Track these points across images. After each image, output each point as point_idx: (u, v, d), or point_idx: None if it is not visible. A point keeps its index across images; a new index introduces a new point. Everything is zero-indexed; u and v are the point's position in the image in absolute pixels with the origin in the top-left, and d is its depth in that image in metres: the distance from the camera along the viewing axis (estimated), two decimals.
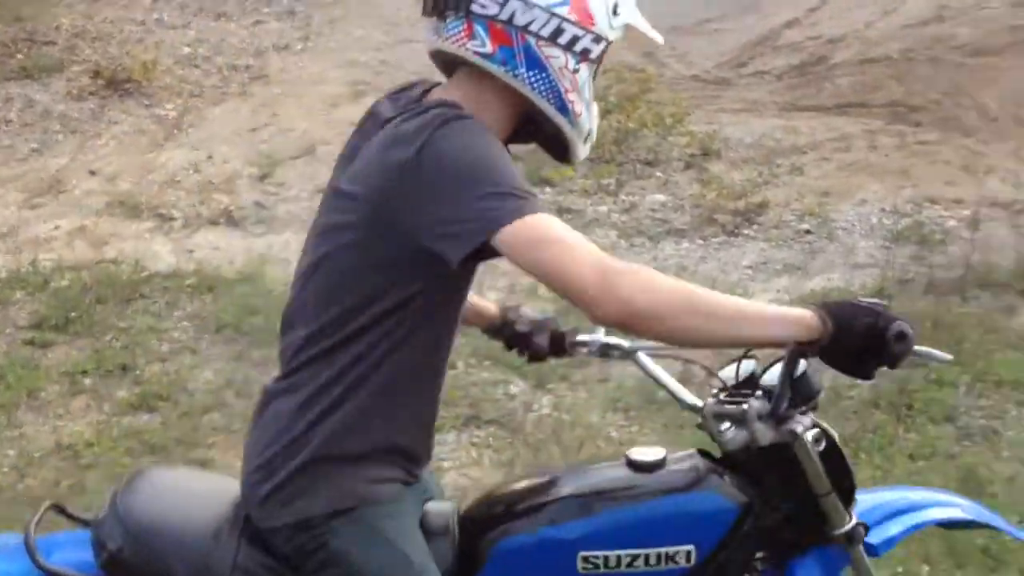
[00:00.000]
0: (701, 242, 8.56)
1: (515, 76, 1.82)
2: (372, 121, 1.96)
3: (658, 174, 10.17)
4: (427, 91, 1.98)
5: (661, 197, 9.59)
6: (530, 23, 1.77)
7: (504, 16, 1.76)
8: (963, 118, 11.86)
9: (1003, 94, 12.20)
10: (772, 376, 2.04)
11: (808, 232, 8.73)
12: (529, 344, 2.51)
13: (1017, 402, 5.17)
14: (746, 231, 8.82)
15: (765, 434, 1.96)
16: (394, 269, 1.83)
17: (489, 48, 1.78)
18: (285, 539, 1.86)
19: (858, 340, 1.71)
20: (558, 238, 1.77)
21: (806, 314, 1.79)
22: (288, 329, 1.99)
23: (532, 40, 1.79)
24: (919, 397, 5.07)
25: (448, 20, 1.82)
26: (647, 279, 1.76)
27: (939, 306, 6.45)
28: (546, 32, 1.80)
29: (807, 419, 2.03)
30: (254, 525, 1.95)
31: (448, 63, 1.95)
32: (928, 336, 5.83)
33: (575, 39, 1.81)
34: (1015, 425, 4.92)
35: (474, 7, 1.78)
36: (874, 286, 7.14)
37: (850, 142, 11.23)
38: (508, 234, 1.70)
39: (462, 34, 1.81)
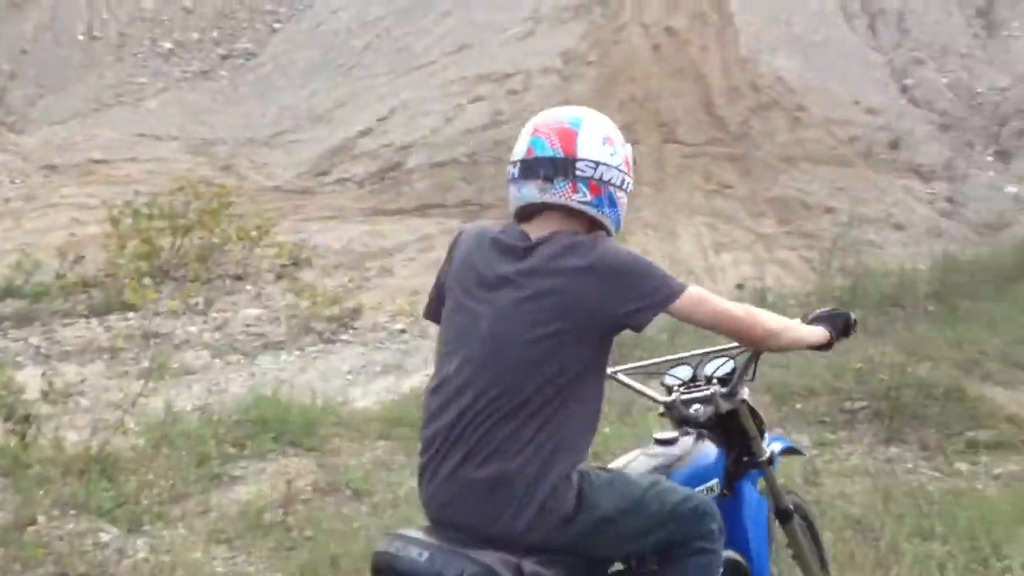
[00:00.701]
0: (299, 353, 8.51)
1: (602, 213, 2.62)
2: (499, 253, 2.60)
3: (249, 288, 10.07)
4: (522, 229, 2.65)
5: (254, 311, 9.45)
6: (611, 179, 2.61)
7: (596, 176, 2.58)
8: None
9: None
10: (710, 369, 3.11)
11: (403, 332, 8.99)
12: None
13: None
14: (344, 337, 8.90)
15: (724, 405, 2.98)
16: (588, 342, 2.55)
17: (588, 198, 2.58)
18: (561, 539, 2.49)
19: (845, 334, 2.88)
20: (713, 300, 2.66)
21: (823, 331, 2.84)
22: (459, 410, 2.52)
23: (612, 189, 2.62)
24: None
25: (555, 182, 2.56)
26: (767, 313, 2.83)
27: None
28: (617, 182, 2.63)
29: (744, 391, 3.06)
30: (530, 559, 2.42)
31: (531, 209, 2.62)
32: None
33: (627, 183, 2.67)
34: None
35: (578, 172, 2.56)
36: None
37: (432, 241, 11.83)
38: (681, 302, 2.54)
39: (568, 190, 2.57)
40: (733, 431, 3.05)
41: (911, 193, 13.77)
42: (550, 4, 19.45)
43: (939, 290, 8.97)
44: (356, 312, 9.30)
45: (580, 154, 2.58)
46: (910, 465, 5.82)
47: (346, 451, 5.87)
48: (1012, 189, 14.26)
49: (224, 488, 5.32)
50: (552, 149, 2.58)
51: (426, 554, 2.35)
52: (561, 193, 2.56)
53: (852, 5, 19.16)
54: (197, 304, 9.44)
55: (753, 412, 3.09)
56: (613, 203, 2.63)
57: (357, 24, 20.27)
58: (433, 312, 2.80)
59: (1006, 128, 15.78)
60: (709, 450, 2.93)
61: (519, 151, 2.62)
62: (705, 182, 13.75)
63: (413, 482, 5.24)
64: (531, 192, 2.59)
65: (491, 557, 2.33)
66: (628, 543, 2.62)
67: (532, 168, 2.59)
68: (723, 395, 3.01)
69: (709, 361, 3.15)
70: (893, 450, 6.05)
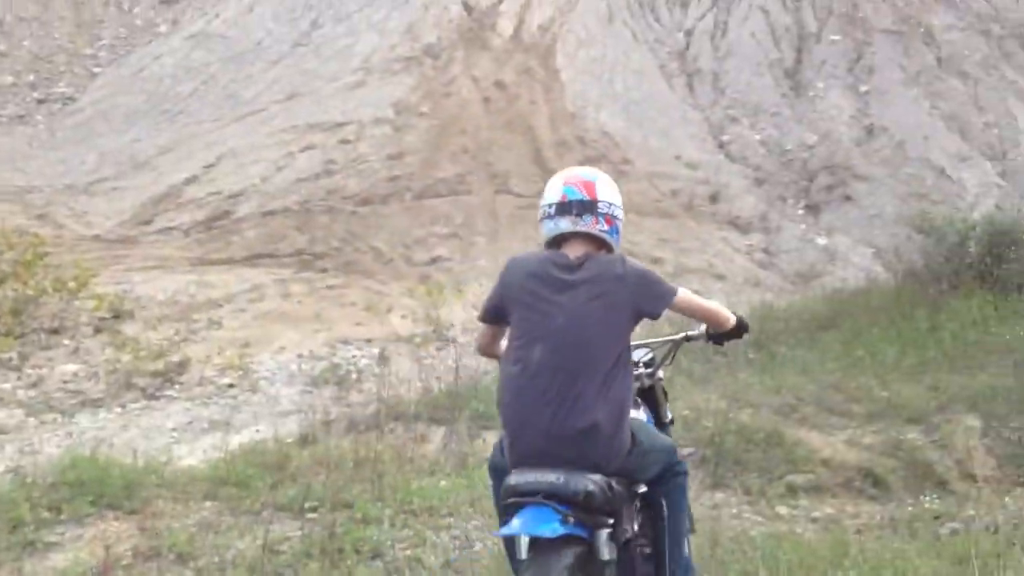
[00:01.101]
0: (120, 410, 8.12)
1: (612, 239, 3.65)
2: (556, 269, 3.59)
3: (66, 342, 9.55)
4: (562, 252, 3.67)
5: (72, 366, 8.96)
6: (618, 215, 3.67)
7: (611, 212, 3.63)
8: (362, 261, 12.88)
9: (392, 238, 13.50)
10: (636, 356, 3.84)
11: (231, 386, 8.73)
12: None
13: (434, 528, 5.54)
14: (168, 392, 8.56)
15: (647, 383, 3.96)
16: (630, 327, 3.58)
17: (606, 228, 3.62)
18: (624, 466, 3.47)
19: (739, 332, 3.89)
20: (693, 298, 3.72)
21: (734, 316, 3.88)
22: (566, 420, 3.40)
23: (619, 223, 3.68)
24: (348, 539, 5.17)
25: (583, 217, 3.59)
26: (720, 305, 3.95)
27: (359, 443, 6.75)
28: (620, 216, 3.68)
29: (660, 373, 4.07)
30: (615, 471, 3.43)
31: (562, 237, 3.66)
32: (352, 475, 6.11)
33: (622, 217, 3.71)
34: (435, 551, 5.23)
35: (599, 210, 3.61)
36: (300, 432, 7.28)
37: (263, 291, 11.57)
38: (678, 299, 3.59)
39: (593, 222, 3.60)
40: (650, 400, 4.04)
41: (730, 244, 14.41)
42: (381, 55, 19.54)
43: (758, 338, 9.39)
44: (182, 366, 8.98)
45: (600, 197, 3.66)
46: (735, 510, 6.03)
47: (169, 513, 5.59)
48: (822, 241, 15.13)
49: (38, 556, 5.02)
50: (581, 194, 3.65)
51: (562, 477, 3.31)
52: (588, 225, 3.63)
53: (671, 65, 20.07)
54: (10, 359, 8.91)
55: (664, 392, 4.17)
56: (618, 231, 3.70)
57: (182, 70, 19.81)
58: (489, 317, 3.78)
59: (815, 183, 16.77)
60: (643, 412, 3.93)
61: (553, 196, 3.70)
62: (537, 232, 13.99)
63: (241, 543, 5.08)
64: (566, 224, 3.65)
65: (597, 478, 3.33)
66: (651, 468, 3.61)
67: (566, 208, 3.66)
68: (647, 375, 4.00)
69: (635, 350, 3.83)
70: (719, 495, 6.25)
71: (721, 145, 17.63)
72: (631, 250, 13.45)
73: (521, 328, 3.56)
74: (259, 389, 8.70)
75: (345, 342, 10.10)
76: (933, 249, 10.33)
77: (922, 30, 21.89)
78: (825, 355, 8.79)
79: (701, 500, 6.10)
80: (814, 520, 5.91)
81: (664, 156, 16.69)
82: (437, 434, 7.31)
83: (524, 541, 3.34)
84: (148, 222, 13.92)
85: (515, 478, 3.41)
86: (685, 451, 6.85)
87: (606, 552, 3.41)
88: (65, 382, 8.68)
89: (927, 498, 6.31)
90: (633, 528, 3.61)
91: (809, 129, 18.22)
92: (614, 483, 3.39)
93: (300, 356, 9.57)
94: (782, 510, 6.03)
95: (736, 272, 13.47)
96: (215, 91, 19.01)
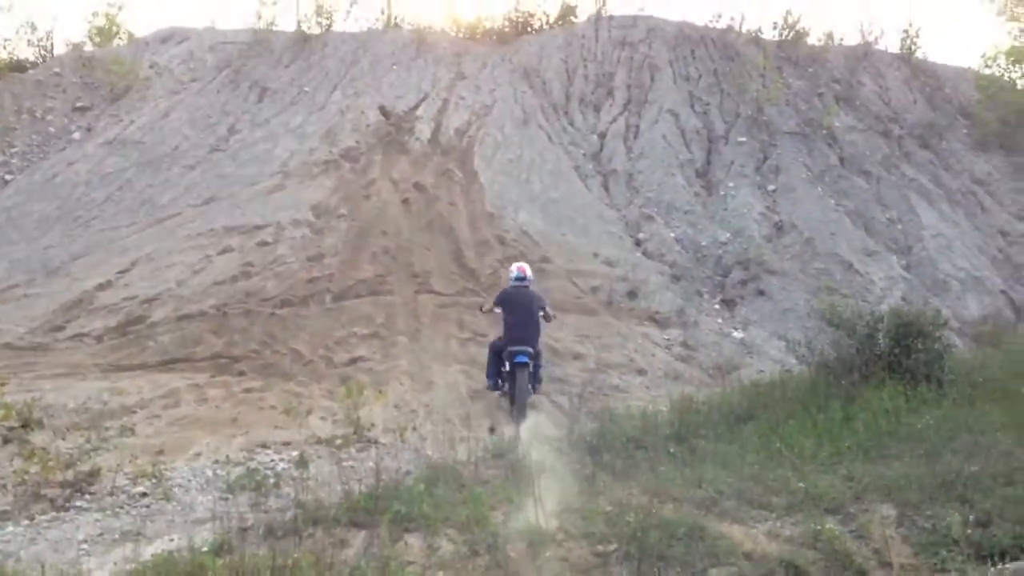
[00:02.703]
0: (28, 523, 7.81)
1: (530, 283, 12.60)
2: (522, 291, 12.26)
3: None
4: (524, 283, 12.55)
5: None
6: (531, 278, 12.67)
7: (530, 277, 12.58)
8: (281, 364, 12.71)
9: (312, 339, 13.38)
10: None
11: (144, 495, 8.47)
12: None
13: None
14: (79, 503, 8.26)
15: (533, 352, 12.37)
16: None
17: (530, 279, 12.48)
18: (536, 349, 12.11)
19: (548, 318, 12.62)
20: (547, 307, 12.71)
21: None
22: (527, 333, 11.86)
23: (530, 280, 12.59)
24: None
25: (525, 280, 12.27)
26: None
27: (276, 550, 6.58)
28: (531, 277, 12.72)
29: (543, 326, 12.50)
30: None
31: (520, 284, 12.39)
32: None
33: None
34: None
35: (528, 277, 12.48)
36: (215, 541, 7.08)
37: (179, 397, 11.33)
38: (548, 305, 12.61)
39: (529, 281, 12.36)
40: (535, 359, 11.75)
41: (650, 339, 14.60)
42: (299, 159, 19.65)
43: (679, 431, 9.48)
44: (92, 475, 8.69)
45: (528, 275, 12.27)
46: None
47: None
48: (738, 335, 15.43)
49: None
50: (525, 274, 12.31)
51: (527, 347, 11.51)
52: (528, 282, 12.25)
53: (586, 166, 20.55)
54: None
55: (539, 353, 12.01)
56: (531, 282, 12.43)
57: (97, 176, 19.64)
58: (496, 306, 12.13)
59: (729, 278, 17.17)
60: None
61: (516, 274, 12.34)
62: (459, 331, 14.03)
63: None
64: (523, 281, 12.17)
65: (531, 349, 11.58)
66: (540, 357, 12.04)
67: (522, 279, 12.21)
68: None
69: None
70: None
71: (638, 243, 17.99)
72: (553, 346, 13.58)
73: (511, 309, 11.90)
74: (173, 497, 8.46)
75: (263, 446, 9.92)
76: (844, 341, 10.59)
77: (824, 131, 22.84)
78: (744, 447, 8.89)
79: None
80: None
81: (583, 254, 16.95)
82: (358, 538, 7.16)
83: (520, 360, 11.38)
84: (60, 328, 13.59)
85: (512, 347, 11.53)
86: (610, 547, 6.85)
87: (532, 369, 11.66)
88: None
89: None
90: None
91: (722, 226, 18.72)
92: (535, 351, 11.59)
93: (216, 462, 9.35)
94: None
95: (656, 366, 13.63)
96: (130, 197, 18.85)
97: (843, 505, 7.38)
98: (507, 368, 11.44)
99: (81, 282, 15.07)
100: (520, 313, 11.69)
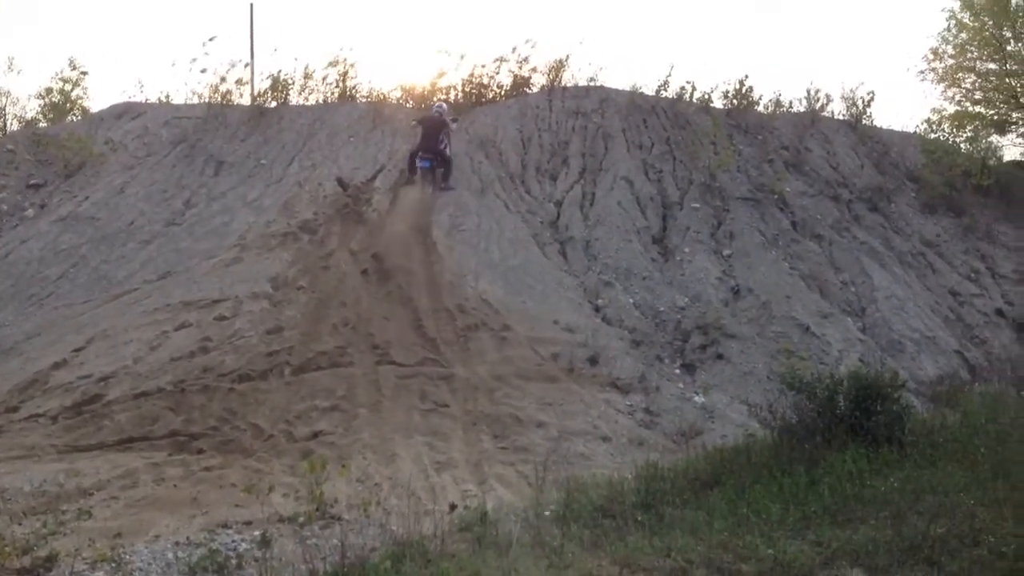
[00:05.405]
0: None
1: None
2: (434, 117, 22.36)
3: None
4: None
5: None
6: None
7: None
8: (241, 440, 12.53)
9: (272, 414, 13.22)
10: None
11: None
12: None
13: None
14: None
15: (446, 141, 22.22)
16: None
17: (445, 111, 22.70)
18: (441, 154, 22.15)
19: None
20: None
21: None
22: (428, 144, 21.65)
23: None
24: None
25: (440, 110, 22.76)
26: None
27: None
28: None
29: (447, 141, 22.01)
30: None
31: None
32: None
33: None
34: None
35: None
36: None
37: (136, 477, 11.11)
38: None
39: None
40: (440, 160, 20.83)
41: (612, 405, 14.61)
42: (257, 232, 19.61)
43: (646, 499, 9.45)
44: (49, 561, 8.48)
45: (445, 108, 23.27)
46: None
47: None
48: (699, 399, 15.49)
49: None
50: (442, 107, 23.00)
51: (430, 153, 21.43)
52: (441, 113, 22.36)
53: (544, 234, 20.70)
54: None
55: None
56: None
57: (51, 253, 19.43)
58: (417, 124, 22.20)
59: (689, 343, 17.29)
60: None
61: (436, 106, 23.01)
62: (421, 401, 13.95)
63: None
64: (439, 111, 22.47)
65: (434, 155, 21.39)
66: (447, 157, 21.59)
67: (440, 109, 22.82)
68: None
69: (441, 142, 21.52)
70: None
71: (597, 309, 18.08)
72: (516, 415, 13.51)
73: (424, 130, 21.51)
74: None
75: (224, 526, 9.74)
76: (805, 405, 10.67)
77: (776, 196, 23.25)
78: (711, 514, 8.88)
79: None
80: None
81: (543, 321, 17.00)
82: None
83: (423, 165, 21.21)
84: (15, 409, 13.33)
85: (421, 153, 21.22)
86: None
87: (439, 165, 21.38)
88: None
89: None
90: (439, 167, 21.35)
91: (679, 291, 18.90)
92: (436, 155, 21.14)
93: (176, 544, 9.16)
94: None
95: (620, 432, 13.62)
96: (85, 273, 18.66)
97: (812, 571, 7.39)
98: (419, 165, 21.20)
99: (36, 361, 14.83)
100: (428, 131, 21.22)
